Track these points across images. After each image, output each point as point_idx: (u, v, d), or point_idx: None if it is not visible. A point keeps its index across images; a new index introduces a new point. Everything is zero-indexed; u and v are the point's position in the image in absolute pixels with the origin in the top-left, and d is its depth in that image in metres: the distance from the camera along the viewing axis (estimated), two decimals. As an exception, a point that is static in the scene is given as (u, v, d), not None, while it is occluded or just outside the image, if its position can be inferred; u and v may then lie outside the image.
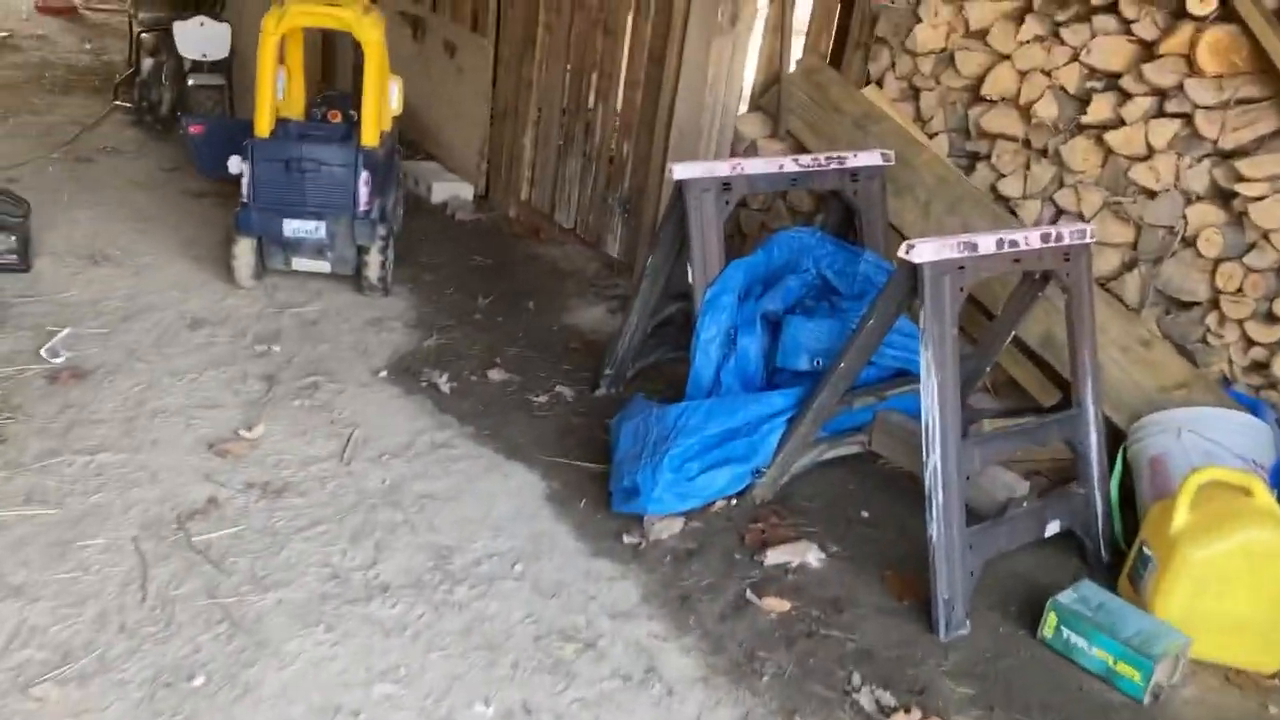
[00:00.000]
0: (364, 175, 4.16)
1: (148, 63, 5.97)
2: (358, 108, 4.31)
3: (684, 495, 3.05)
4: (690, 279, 3.43)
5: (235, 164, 4.24)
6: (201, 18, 5.53)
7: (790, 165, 3.59)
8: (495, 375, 3.92)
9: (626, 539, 3.04)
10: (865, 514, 3.29)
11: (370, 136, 4.25)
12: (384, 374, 3.83)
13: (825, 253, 3.59)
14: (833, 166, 3.63)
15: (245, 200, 4.17)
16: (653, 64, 4.58)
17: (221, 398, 3.55)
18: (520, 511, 3.14)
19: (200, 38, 5.53)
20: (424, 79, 5.91)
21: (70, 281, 4.21)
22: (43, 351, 3.65)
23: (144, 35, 5.93)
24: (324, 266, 4.33)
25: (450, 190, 5.70)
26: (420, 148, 6.05)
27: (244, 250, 4.25)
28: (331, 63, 6.49)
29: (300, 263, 4.32)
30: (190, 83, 5.48)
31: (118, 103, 6.28)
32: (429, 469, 3.29)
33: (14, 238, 4.14)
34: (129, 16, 6.22)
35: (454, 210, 5.55)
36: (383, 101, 4.34)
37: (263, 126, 4.20)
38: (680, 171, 3.41)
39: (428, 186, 5.68)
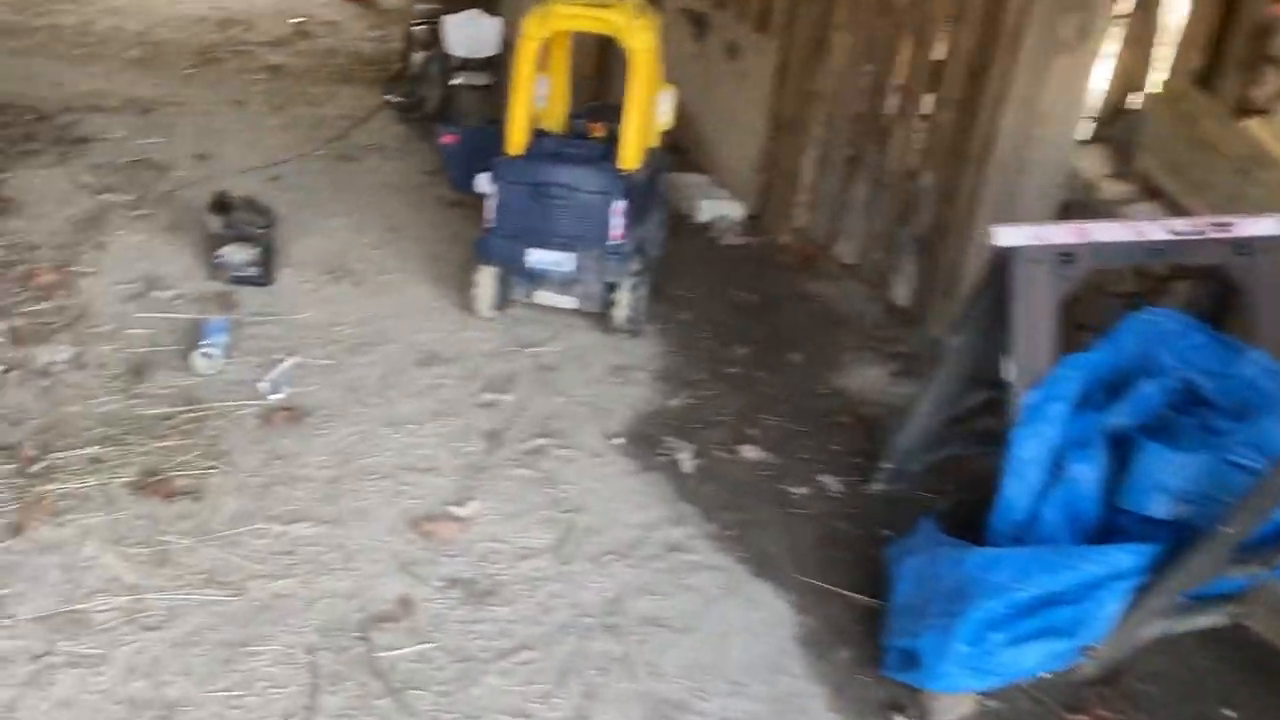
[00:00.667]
0: (619, 204, 3.64)
1: (418, 57, 5.73)
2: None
3: (980, 672, 2.32)
4: (1008, 375, 2.66)
5: (483, 183, 3.83)
6: (474, 11, 5.19)
7: (1155, 232, 2.74)
8: (748, 452, 3.30)
9: (898, 719, 2.36)
10: (1229, 712, 2.44)
11: (630, 158, 3.72)
12: (619, 440, 3.30)
13: (1194, 347, 2.72)
14: (1214, 235, 2.74)
15: (489, 225, 3.74)
16: (970, 80, 3.77)
17: (438, 458, 3.13)
18: (765, 658, 2.51)
19: (470, 33, 5.20)
20: (702, 83, 5.34)
21: (307, 300, 3.95)
22: (260, 385, 3.36)
23: (415, 28, 5.69)
24: (570, 302, 3.85)
25: (717, 209, 5.11)
26: (691, 158, 5.49)
27: (485, 279, 3.84)
28: (607, 67, 6.03)
29: (544, 296, 3.86)
30: (456, 81, 5.16)
31: (388, 98, 6.10)
32: (659, 581, 2.73)
33: (258, 249, 3.92)
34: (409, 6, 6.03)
35: (720, 232, 4.96)
36: (648, 118, 3.80)
37: (514, 143, 3.75)
38: (1004, 237, 2.64)
39: (694, 204, 5.12)
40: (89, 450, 2.99)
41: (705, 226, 5.00)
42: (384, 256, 4.33)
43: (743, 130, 5.10)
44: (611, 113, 4.10)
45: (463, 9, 5.29)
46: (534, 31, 3.67)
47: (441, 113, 5.55)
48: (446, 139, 4.49)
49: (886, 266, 4.33)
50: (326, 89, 6.46)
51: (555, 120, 4.09)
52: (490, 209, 3.71)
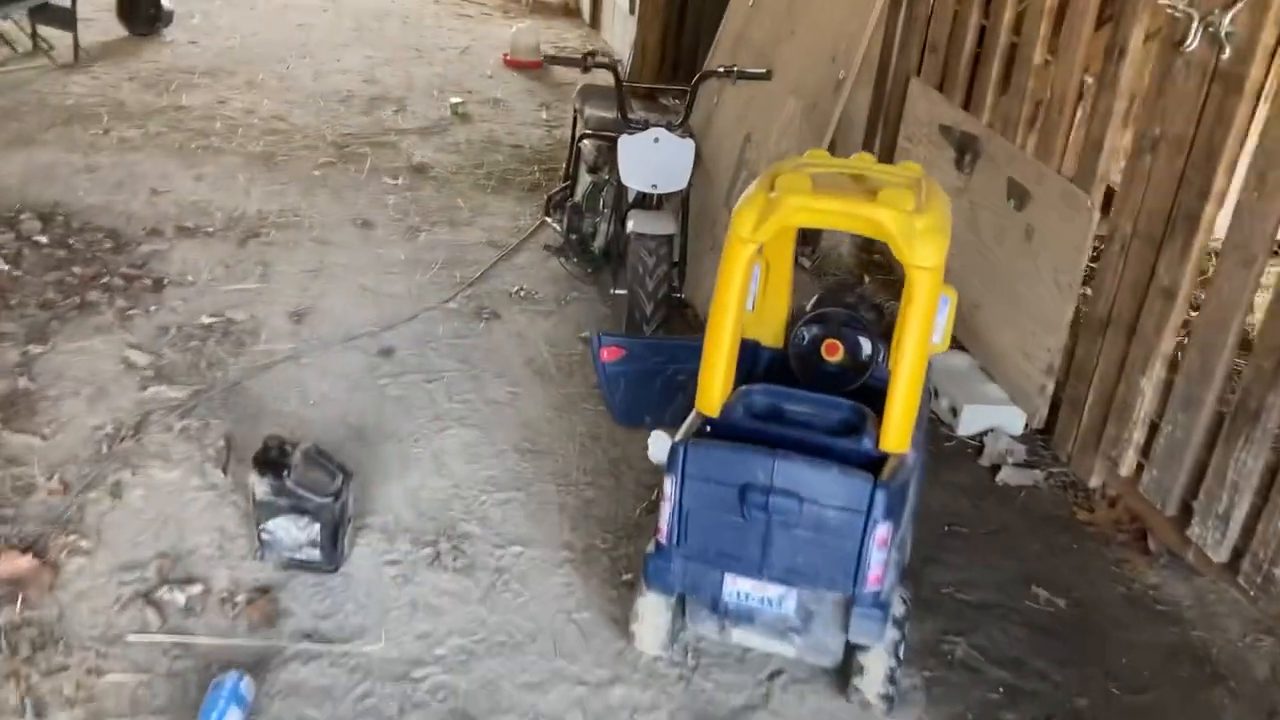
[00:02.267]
0: (880, 530, 2.17)
1: (585, 180, 4.42)
2: (884, 336, 2.38)
3: None
4: None
5: (655, 449, 2.46)
6: (658, 132, 3.83)
7: None
8: None
9: None
10: None
11: (898, 438, 2.26)
12: None
13: None
14: None
15: (663, 538, 2.34)
16: None
17: None
18: None
19: (651, 160, 3.84)
20: (964, 229, 3.83)
21: (387, 597, 2.63)
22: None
23: (585, 140, 4.37)
24: (785, 650, 2.41)
25: (989, 418, 3.58)
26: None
27: (653, 610, 2.44)
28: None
29: (746, 636, 2.43)
30: (629, 227, 3.80)
31: (547, 219, 4.82)
32: None
33: (318, 525, 2.63)
34: (575, 108, 4.73)
35: (994, 458, 3.43)
36: (922, 360, 2.32)
37: (707, 398, 2.35)
38: None
39: (954, 406, 3.61)
40: None
41: (973, 445, 3.49)
42: (508, 514, 2.98)
43: (1029, 311, 3.55)
44: (859, 313, 2.65)
45: (639, 127, 3.93)
46: (751, 232, 2.26)
47: (608, 254, 4.22)
48: (608, 354, 3.13)
49: (1289, 580, 2.71)
50: (476, 200, 5.23)
51: (768, 331, 2.69)
52: (666, 514, 2.31)
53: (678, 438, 2.29)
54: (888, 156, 4.62)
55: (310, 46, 7.80)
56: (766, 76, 3.90)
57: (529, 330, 4.00)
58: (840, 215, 2.25)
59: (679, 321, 4.05)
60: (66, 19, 6.70)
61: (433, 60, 7.79)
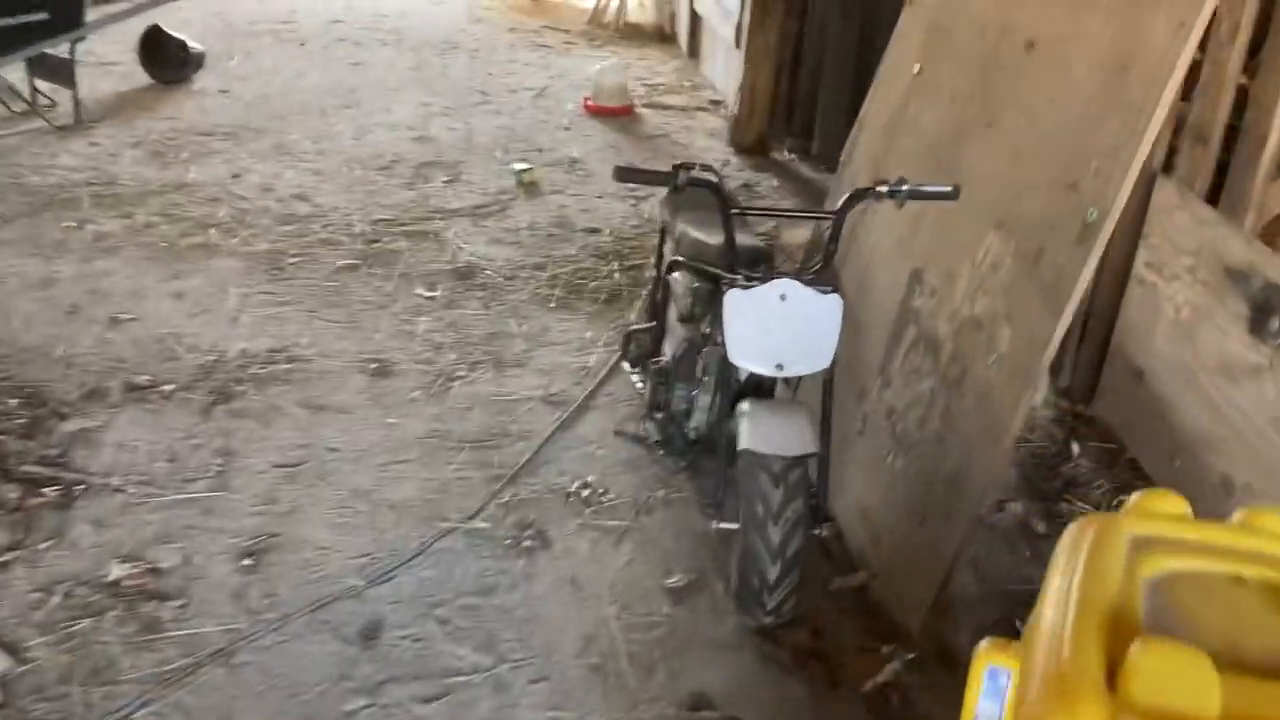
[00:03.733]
0: None
1: (675, 334, 3.08)
2: None
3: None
4: None
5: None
6: (785, 285, 2.47)
7: None
8: None
9: None
10: None
11: None
12: None
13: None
14: None
15: None
16: None
17: None
18: None
19: (774, 328, 2.48)
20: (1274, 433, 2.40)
21: None
22: None
23: (674, 273, 3.02)
24: None
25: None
26: None
27: None
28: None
29: None
30: (740, 438, 2.45)
31: (626, 366, 3.50)
32: None
33: None
34: (661, 222, 3.39)
35: None
36: None
37: None
38: None
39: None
40: None
41: None
42: None
43: None
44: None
45: (757, 279, 2.56)
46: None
47: (710, 441, 2.87)
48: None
49: None
50: (534, 321, 3.96)
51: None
52: None
53: None
54: (1115, 287, 3.19)
55: (359, 92, 6.62)
56: (952, 196, 2.52)
57: (589, 573, 2.69)
58: None
59: (822, 568, 2.71)
60: (66, 73, 5.63)
61: (500, 106, 6.55)
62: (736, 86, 6.15)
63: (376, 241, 4.52)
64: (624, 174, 2.56)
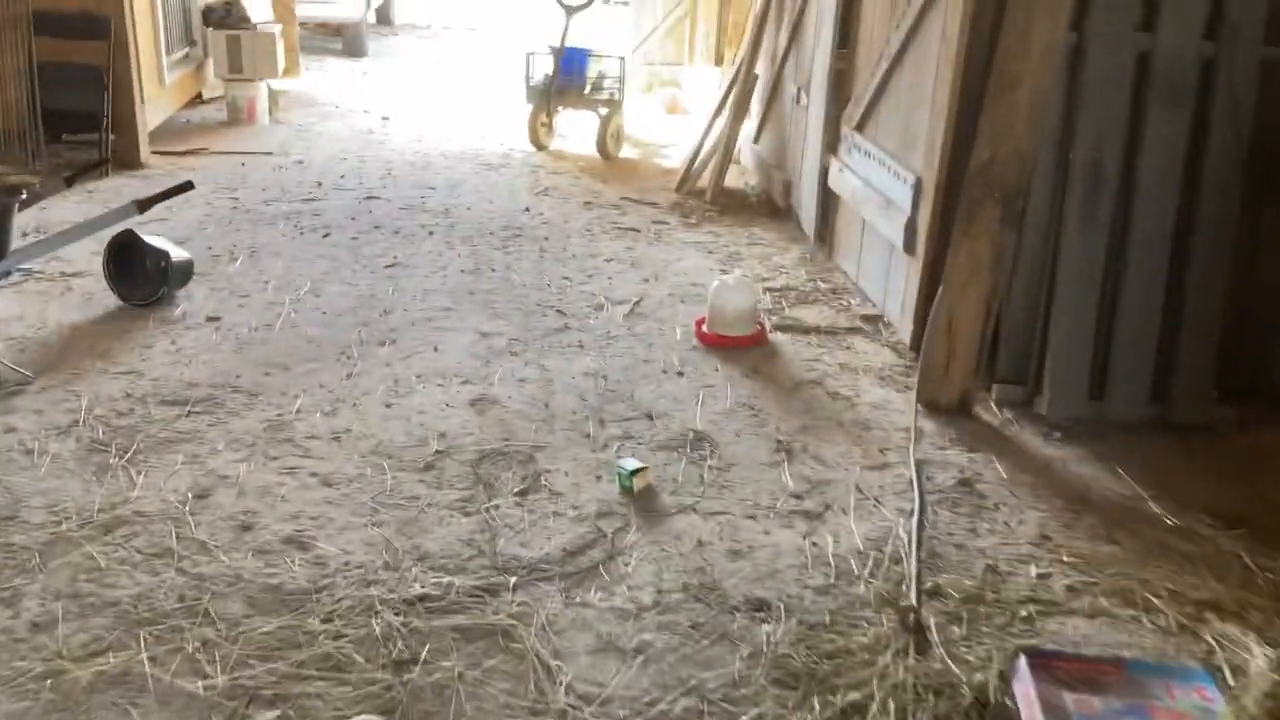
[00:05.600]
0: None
1: None
2: None
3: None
4: None
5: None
6: None
7: None
8: None
9: None
10: None
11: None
12: None
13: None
14: None
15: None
16: None
17: None
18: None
19: None
20: None
21: None
22: None
23: None
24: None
25: None
26: None
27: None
28: None
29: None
30: None
31: None
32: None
33: None
34: None
35: None
36: None
37: None
38: None
39: None
40: None
41: None
42: None
43: None
44: None
45: None
46: None
47: None
48: None
49: None
50: None
51: None
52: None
53: None
54: None
55: (396, 316, 4.95)
56: None
57: None
58: None
59: None
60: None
61: (584, 335, 4.82)
62: (913, 314, 4.39)
63: (412, 665, 2.70)
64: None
